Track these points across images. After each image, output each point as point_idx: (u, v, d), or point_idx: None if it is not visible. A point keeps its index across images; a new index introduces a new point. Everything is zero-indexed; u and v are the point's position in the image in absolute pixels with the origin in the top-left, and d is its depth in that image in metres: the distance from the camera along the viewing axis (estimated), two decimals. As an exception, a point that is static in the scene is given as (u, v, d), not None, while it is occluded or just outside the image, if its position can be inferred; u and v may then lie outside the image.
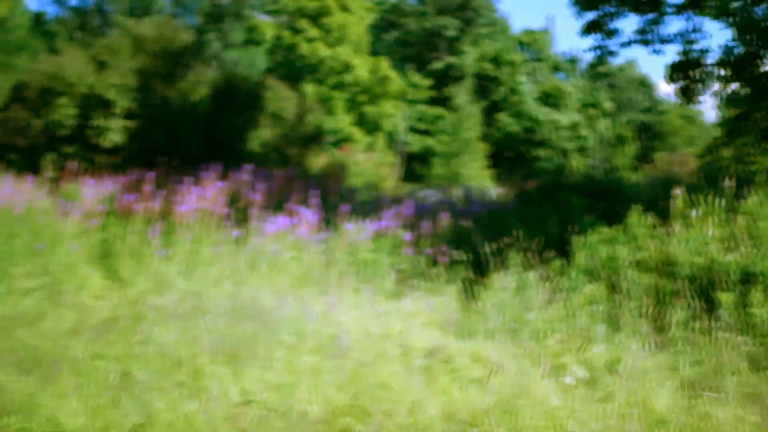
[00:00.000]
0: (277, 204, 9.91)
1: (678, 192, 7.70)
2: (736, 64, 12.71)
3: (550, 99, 40.30)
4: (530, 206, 10.30)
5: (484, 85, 38.46)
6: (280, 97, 19.80)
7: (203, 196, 9.86)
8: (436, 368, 5.48)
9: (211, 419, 4.47)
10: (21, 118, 16.61)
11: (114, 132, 16.18)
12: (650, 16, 13.58)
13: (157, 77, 17.41)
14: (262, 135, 18.77)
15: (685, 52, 13.46)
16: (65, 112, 16.26)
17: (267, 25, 33.82)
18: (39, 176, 12.69)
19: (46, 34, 34.35)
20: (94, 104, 16.33)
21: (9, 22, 31.57)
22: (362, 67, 31.17)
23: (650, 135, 47.87)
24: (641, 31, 13.75)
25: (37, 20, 35.45)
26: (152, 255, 8.46)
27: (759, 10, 12.15)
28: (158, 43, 17.94)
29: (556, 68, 47.05)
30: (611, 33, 13.93)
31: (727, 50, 12.79)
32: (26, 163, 15.27)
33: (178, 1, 30.35)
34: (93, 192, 11.03)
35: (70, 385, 4.82)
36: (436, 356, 5.72)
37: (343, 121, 30.05)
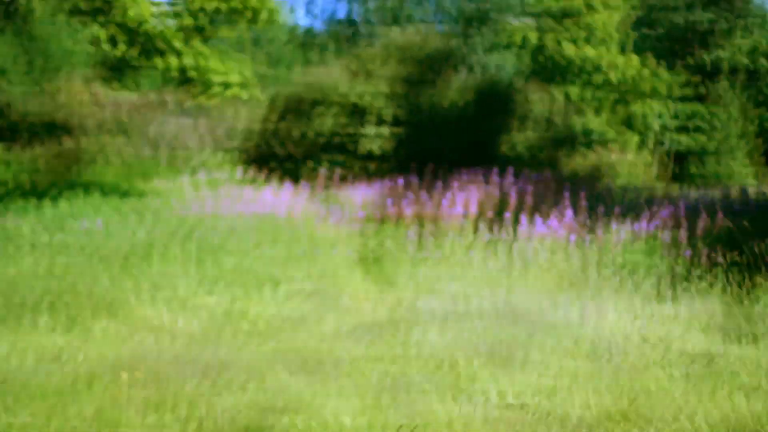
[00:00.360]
0: (535, 206, 9.83)
1: None
2: None
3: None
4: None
5: (751, 79, 35.57)
6: (533, 100, 19.62)
7: (463, 199, 9.96)
8: (704, 374, 5.18)
9: (477, 422, 4.44)
10: (284, 128, 17.54)
11: (374, 139, 16.65)
12: None
13: (414, 84, 17.75)
14: (516, 138, 18.68)
15: None
16: (326, 121, 16.94)
17: (518, 27, 33.61)
18: (302, 184, 13.39)
19: (305, 46, 36.46)
20: (353, 112, 16.91)
21: (270, 36, 33.92)
22: (617, 65, 30.02)
23: None
24: None
25: (303, 34, 37.74)
26: (415, 258, 8.62)
27: None
28: (414, 51, 18.28)
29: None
30: None
31: None
32: (290, 172, 16.21)
33: (435, 9, 30.99)
34: (355, 198, 11.49)
35: (342, 385, 4.98)
36: (704, 361, 5.42)
37: (597, 121, 29.15)
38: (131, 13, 10.37)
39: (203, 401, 4.48)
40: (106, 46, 10.69)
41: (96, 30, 10.31)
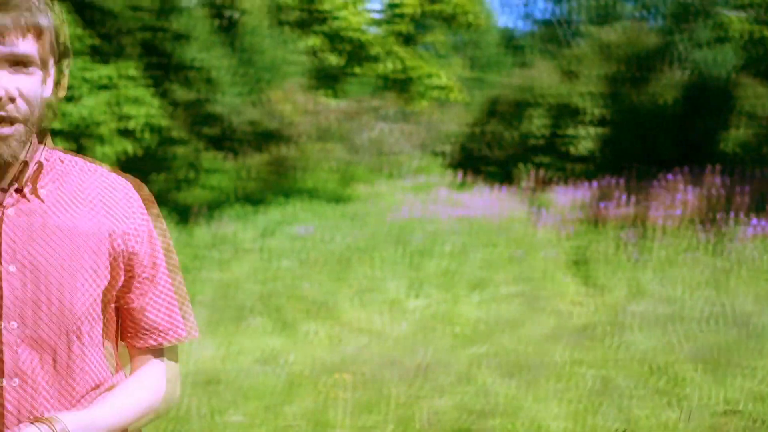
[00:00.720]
0: (752, 206, 9.20)
1: None
2: None
3: None
4: None
5: None
6: (749, 95, 18.35)
7: (675, 199, 9.50)
8: None
9: (692, 428, 4.26)
10: (495, 131, 17.57)
11: (585, 140, 16.35)
12: None
13: (624, 82, 17.25)
14: (735, 135, 17.55)
15: None
16: (536, 123, 16.81)
17: (735, 20, 31.64)
18: (513, 186, 13.33)
19: (516, 48, 36.25)
20: (564, 113, 16.67)
21: (482, 39, 33.97)
22: None
23: None
24: None
25: (508, 36, 37.60)
26: (627, 261, 8.35)
27: None
28: (625, 48, 17.78)
29: None
30: None
31: None
32: (501, 174, 16.16)
33: (643, 5, 29.85)
34: (565, 200, 11.27)
35: (551, 389, 4.90)
36: None
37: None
38: (343, 23, 10.68)
39: (409, 403, 4.48)
40: (322, 55, 11.09)
41: (313, 39, 10.71)
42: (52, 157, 1.55)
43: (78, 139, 10.56)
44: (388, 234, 9.07)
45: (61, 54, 1.49)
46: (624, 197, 9.94)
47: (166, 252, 1.69)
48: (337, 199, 12.75)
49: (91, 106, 10.22)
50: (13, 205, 1.47)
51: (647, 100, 17.02)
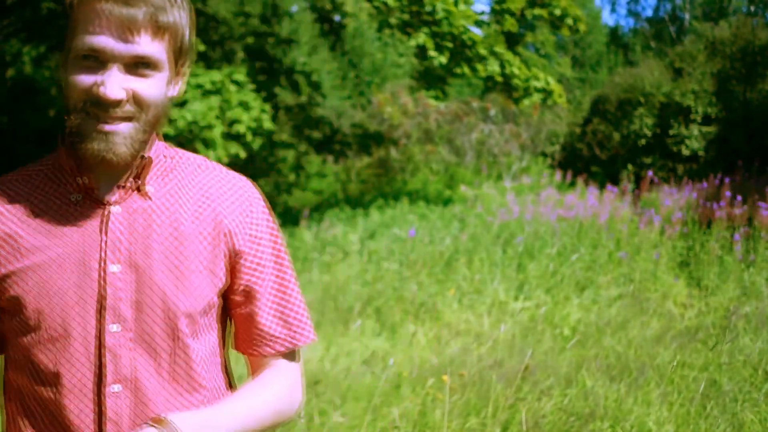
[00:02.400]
0: None
1: None
2: None
3: None
4: None
5: None
6: None
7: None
8: None
9: None
10: (601, 131, 17.31)
11: (693, 139, 15.92)
12: None
13: (735, 80, 16.70)
14: None
15: None
16: (643, 122, 16.49)
17: None
18: (619, 187, 13.10)
19: (622, 46, 35.48)
20: (671, 112, 16.28)
21: (587, 38, 33.41)
22: None
23: None
24: None
25: (614, 34, 36.85)
26: (735, 262, 8.12)
27: None
28: (735, 45, 17.21)
29: None
30: None
31: None
32: (607, 175, 15.90)
33: (755, 0, 28.77)
34: (672, 200, 11.02)
35: (656, 392, 4.83)
36: None
37: None
38: (447, 24, 10.73)
39: (512, 406, 4.50)
40: (427, 55, 11.16)
41: (422, 39, 10.78)
42: (161, 153, 1.51)
43: (186, 143, 10.95)
44: (492, 235, 9.07)
45: (182, 54, 1.44)
46: (733, 197, 9.64)
47: (284, 255, 1.60)
48: (441, 201, 12.80)
49: (199, 110, 10.57)
50: (118, 202, 1.42)
51: (757, 97, 16.44)
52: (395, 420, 4.32)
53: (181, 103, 10.77)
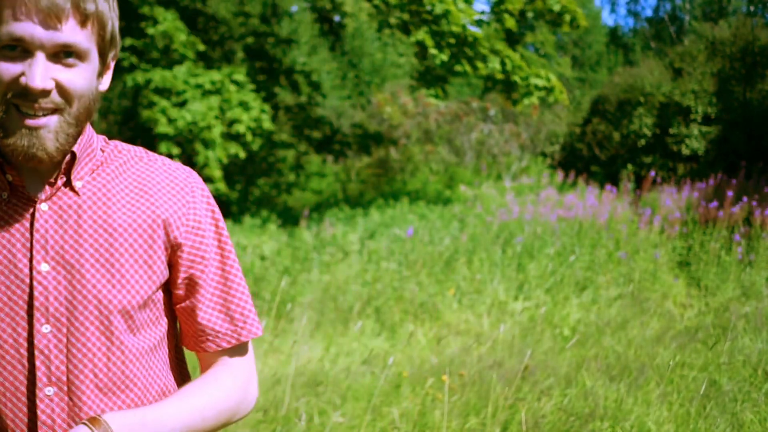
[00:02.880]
0: None
1: None
2: None
3: None
4: None
5: None
6: None
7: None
8: None
9: None
10: (601, 131, 17.31)
11: (693, 139, 15.93)
12: None
13: (734, 80, 16.71)
14: None
15: None
16: (643, 123, 16.50)
17: None
18: (619, 187, 13.11)
19: (622, 46, 35.49)
20: (671, 112, 16.29)
21: (587, 38, 33.42)
22: None
23: None
24: None
25: (613, 34, 36.86)
26: (735, 262, 8.12)
27: None
28: (735, 45, 17.22)
29: None
30: None
31: None
32: (607, 175, 15.91)
33: (754, 0, 28.77)
34: (672, 200, 11.02)
35: (656, 392, 4.83)
36: None
37: None
38: (447, 22, 10.72)
39: (512, 406, 4.49)
40: (426, 53, 11.15)
41: (422, 36, 10.77)
42: (96, 146, 1.45)
43: (185, 143, 10.94)
44: (491, 235, 9.07)
45: (109, 45, 1.38)
46: (732, 197, 9.64)
47: (228, 246, 1.54)
48: (441, 201, 12.80)
49: (198, 111, 10.56)
50: (46, 200, 1.37)
51: (757, 97, 16.45)
52: (395, 420, 4.32)
53: (180, 103, 10.76)
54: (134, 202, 1.43)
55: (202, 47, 11.51)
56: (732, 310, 6.78)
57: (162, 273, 1.44)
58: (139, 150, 1.52)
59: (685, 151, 15.88)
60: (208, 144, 10.76)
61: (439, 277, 7.75)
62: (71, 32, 1.28)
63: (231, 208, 12.68)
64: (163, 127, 10.36)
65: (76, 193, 1.39)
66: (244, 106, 11.17)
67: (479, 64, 11.30)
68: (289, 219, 11.88)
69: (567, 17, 11.76)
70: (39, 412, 1.33)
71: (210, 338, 1.50)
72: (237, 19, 14.85)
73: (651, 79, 16.93)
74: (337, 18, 16.28)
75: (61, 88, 1.29)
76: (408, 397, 4.74)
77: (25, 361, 1.33)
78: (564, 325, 6.67)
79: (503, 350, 5.82)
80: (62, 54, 1.29)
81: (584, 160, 17.16)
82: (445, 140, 17.35)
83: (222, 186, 10.80)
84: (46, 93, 1.27)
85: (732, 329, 6.07)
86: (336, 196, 15.66)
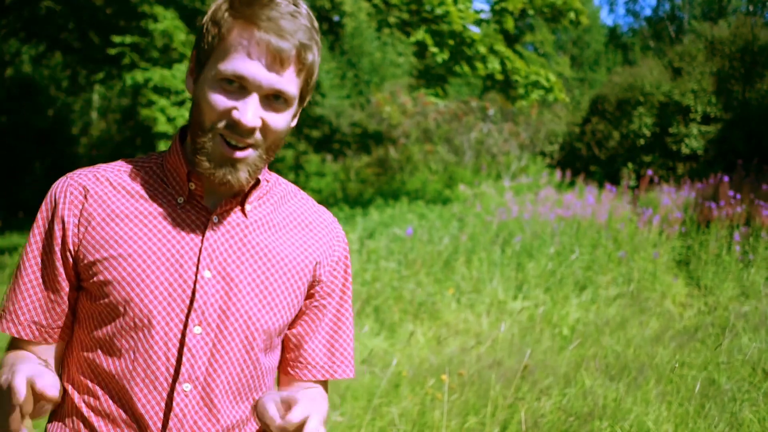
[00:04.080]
0: None
1: None
2: None
3: None
4: None
5: None
6: None
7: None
8: None
9: None
10: (600, 130, 17.31)
11: (692, 138, 15.94)
12: None
13: (734, 79, 16.71)
14: None
15: None
16: (642, 122, 16.50)
17: None
18: (618, 186, 13.11)
19: (621, 46, 35.49)
20: (671, 112, 16.29)
21: (586, 37, 33.41)
22: None
23: None
24: None
25: (612, 33, 36.87)
26: (734, 261, 8.13)
27: None
28: (734, 45, 17.22)
29: None
30: None
31: None
32: (606, 174, 15.91)
33: (754, 0, 28.79)
34: (671, 199, 11.03)
35: (655, 391, 4.84)
36: None
37: None
38: (447, 22, 10.73)
39: (511, 405, 4.50)
40: (426, 52, 11.16)
41: (422, 35, 10.77)
42: (263, 177, 1.56)
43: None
44: (491, 235, 9.07)
45: (310, 91, 1.48)
46: (732, 196, 9.65)
47: (349, 291, 1.66)
48: (440, 200, 12.80)
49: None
50: (219, 213, 1.47)
51: (757, 96, 16.45)
52: (394, 419, 4.32)
53: (179, 102, 10.75)
54: (293, 236, 1.55)
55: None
56: (731, 310, 6.79)
57: (300, 305, 1.57)
58: (293, 186, 1.66)
59: (685, 151, 15.88)
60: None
61: (438, 277, 7.75)
62: (288, 79, 1.38)
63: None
64: (162, 126, 10.36)
65: (245, 215, 1.50)
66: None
67: (478, 65, 11.31)
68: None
69: (572, 14, 11.77)
70: (174, 405, 1.41)
71: (308, 368, 1.61)
72: (236, 19, 14.82)
73: (650, 78, 16.93)
74: (336, 17, 16.28)
75: (265, 129, 1.40)
76: (407, 396, 4.74)
77: (170, 356, 1.42)
78: (563, 324, 6.67)
79: (502, 350, 5.82)
80: (273, 97, 1.39)
81: (583, 159, 17.16)
82: (445, 140, 17.34)
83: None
84: (253, 131, 1.38)
85: (731, 329, 6.08)
86: (335, 195, 15.66)
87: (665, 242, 9.04)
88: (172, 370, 1.41)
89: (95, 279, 1.41)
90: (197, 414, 1.43)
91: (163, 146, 10.48)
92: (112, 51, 10.55)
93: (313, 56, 1.41)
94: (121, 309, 1.40)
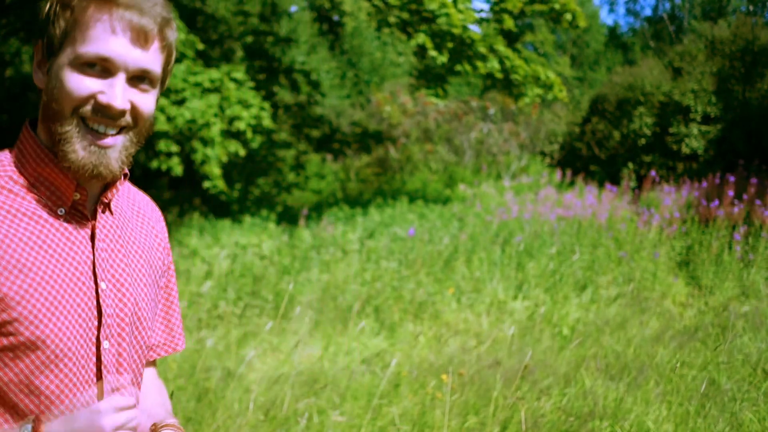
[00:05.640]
0: None
1: None
2: None
3: None
4: None
5: None
6: None
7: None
8: None
9: None
10: (600, 130, 17.31)
11: (693, 138, 15.93)
12: None
13: (734, 79, 16.70)
14: None
15: None
16: (643, 122, 16.49)
17: None
18: (619, 186, 13.11)
19: (621, 46, 35.48)
20: (671, 111, 16.28)
21: (586, 37, 33.41)
22: None
23: None
24: None
25: (612, 33, 36.86)
26: (735, 261, 8.12)
27: None
28: (734, 44, 17.21)
29: None
30: None
31: None
32: (606, 174, 15.91)
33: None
34: (672, 199, 11.02)
35: (656, 391, 4.84)
36: None
37: None
38: (447, 21, 10.71)
39: (512, 405, 4.49)
40: (426, 54, 11.15)
41: (422, 39, 10.76)
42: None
43: (184, 141, 10.92)
44: (491, 234, 9.07)
45: (168, 75, 1.43)
46: (733, 196, 9.64)
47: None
48: (441, 200, 12.80)
49: (197, 108, 10.54)
50: (96, 218, 1.41)
51: (757, 96, 16.44)
52: (395, 419, 4.32)
53: (179, 101, 10.74)
54: (142, 224, 1.53)
55: (201, 46, 11.49)
56: (731, 310, 6.79)
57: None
58: None
59: (685, 150, 15.87)
60: (206, 142, 10.73)
61: (438, 277, 7.74)
62: (153, 57, 1.33)
63: (231, 208, 12.67)
64: (161, 125, 10.34)
65: (112, 213, 1.45)
66: (244, 103, 11.15)
67: (479, 64, 11.30)
68: (289, 218, 11.88)
69: (568, 16, 11.77)
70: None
71: (152, 350, 1.66)
72: (236, 18, 14.85)
73: (650, 78, 16.93)
74: (336, 17, 16.27)
75: (134, 110, 1.33)
76: (407, 396, 4.74)
77: (91, 376, 1.37)
78: (563, 324, 6.67)
79: (502, 349, 5.82)
80: (139, 78, 1.33)
81: (583, 159, 17.15)
82: (445, 139, 17.35)
83: (221, 183, 10.77)
84: (123, 113, 1.32)
85: (731, 328, 6.07)
86: (335, 195, 15.66)
87: (665, 242, 9.04)
88: (95, 389, 1.37)
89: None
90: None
91: (162, 145, 10.45)
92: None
93: (173, 33, 1.37)
94: (35, 344, 1.30)
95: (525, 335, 6.31)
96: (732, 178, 10.09)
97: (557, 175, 14.90)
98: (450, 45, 11.00)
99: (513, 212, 10.24)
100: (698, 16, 29.17)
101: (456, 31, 10.76)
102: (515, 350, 5.76)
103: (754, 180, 10.23)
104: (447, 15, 10.65)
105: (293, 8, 21.26)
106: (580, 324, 6.66)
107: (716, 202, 9.47)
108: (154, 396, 1.59)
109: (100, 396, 1.37)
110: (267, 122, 11.09)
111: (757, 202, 9.13)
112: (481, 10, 12.19)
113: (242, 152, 11.21)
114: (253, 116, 11.06)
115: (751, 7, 26.91)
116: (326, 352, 5.94)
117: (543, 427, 4.25)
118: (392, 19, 11.52)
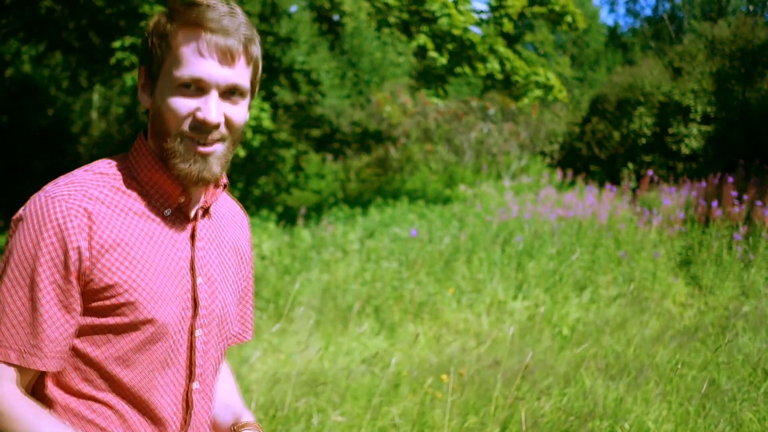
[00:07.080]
0: None
1: None
2: None
3: None
4: None
5: None
6: None
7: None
8: None
9: None
10: (600, 130, 17.30)
11: (692, 138, 15.92)
12: None
13: (734, 79, 16.70)
14: None
15: None
16: (643, 122, 16.49)
17: None
18: (619, 186, 13.11)
19: (621, 46, 35.48)
20: (671, 111, 16.27)
21: (586, 37, 33.39)
22: None
23: None
24: None
25: (612, 33, 36.86)
26: (735, 261, 8.13)
27: None
28: (734, 44, 17.21)
29: None
30: None
31: None
32: (606, 174, 15.91)
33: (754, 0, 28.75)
34: (672, 199, 11.02)
35: (656, 391, 4.84)
36: None
37: None
38: (447, 22, 10.71)
39: (512, 405, 4.49)
40: (427, 55, 11.14)
41: (423, 40, 10.76)
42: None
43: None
44: (491, 234, 9.06)
45: (257, 85, 1.59)
46: (733, 196, 9.65)
47: None
48: (441, 200, 12.80)
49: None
50: (197, 219, 1.60)
51: (757, 96, 16.44)
52: (395, 419, 4.32)
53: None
54: (233, 222, 1.74)
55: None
56: (731, 310, 6.79)
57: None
58: None
59: (685, 150, 15.86)
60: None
61: (438, 277, 7.74)
62: (239, 72, 1.49)
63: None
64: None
65: (210, 217, 1.65)
66: (244, 104, 11.10)
67: (479, 65, 11.30)
68: (289, 218, 11.88)
69: (568, 18, 11.77)
70: (194, 403, 1.59)
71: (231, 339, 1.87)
72: (236, 18, 14.79)
73: (650, 78, 16.92)
74: (336, 17, 16.27)
75: (228, 122, 1.51)
76: (407, 396, 4.74)
77: (183, 360, 1.57)
78: (563, 324, 6.67)
79: (502, 349, 5.82)
80: (230, 92, 1.50)
81: (583, 159, 17.15)
82: (445, 139, 17.34)
83: (220, 183, 10.75)
84: (218, 126, 1.49)
85: (731, 328, 6.08)
86: (335, 195, 15.66)
87: (665, 242, 9.04)
88: (186, 373, 1.57)
89: (110, 301, 1.47)
90: (204, 405, 1.61)
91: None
92: (113, 60, 10.56)
93: (257, 49, 1.54)
94: (141, 326, 1.49)
95: (525, 335, 6.31)
96: (731, 179, 10.09)
97: (557, 175, 14.90)
98: (450, 46, 11.00)
99: (513, 212, 10.24)
100: (698, 16, 29.18)
101: (457, 32, 10.76)
102: (515, 350, 5.76)
103: (754, 180, 10.23)
104: (449, 16, 10.65)
105: (293, 8, 21.26)
106: (579, 324, 6.66)
107: (716, 202, 9.47)
108: (229, 382, 1.81)
109: (188, 377, 1.57)
110: (267, 123, 11.09)
111: (758, 202, 9.13)
112: (481, 12, 12.19)
113: (242, 152, 11.22)
114: (253, 116, 11.07)
115: (751, 7, 26.89)
116: (326, 352, 5.94)
117: (543, 427, 4.25)
118: (392, 20, 11.52)
